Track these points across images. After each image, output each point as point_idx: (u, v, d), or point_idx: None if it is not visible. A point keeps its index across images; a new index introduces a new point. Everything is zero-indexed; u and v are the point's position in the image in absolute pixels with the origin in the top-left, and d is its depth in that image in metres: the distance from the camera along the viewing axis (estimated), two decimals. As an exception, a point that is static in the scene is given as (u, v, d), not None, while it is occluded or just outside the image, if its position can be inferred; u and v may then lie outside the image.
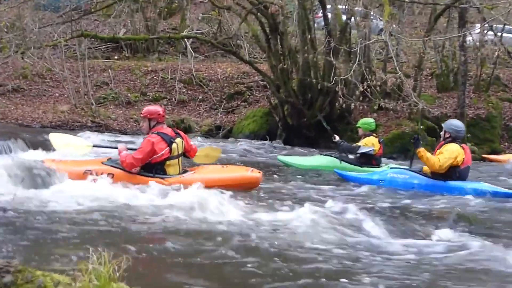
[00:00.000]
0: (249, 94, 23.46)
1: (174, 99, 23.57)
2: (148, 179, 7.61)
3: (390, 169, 9.80)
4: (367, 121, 11.61)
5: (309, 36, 17.83)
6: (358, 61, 14.43)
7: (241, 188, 7.68)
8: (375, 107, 16.04)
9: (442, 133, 9.18)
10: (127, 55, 27.86)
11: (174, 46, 28.84)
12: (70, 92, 21.79)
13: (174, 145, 7.82)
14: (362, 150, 10.85)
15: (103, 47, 28.19)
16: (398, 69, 14.36)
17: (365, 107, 16.34)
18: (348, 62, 16.99)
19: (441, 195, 8.65)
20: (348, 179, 10.05)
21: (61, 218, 5.71)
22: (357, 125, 11.64)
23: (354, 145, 11.25)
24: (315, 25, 19.49)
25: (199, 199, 6.59)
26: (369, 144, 10.99)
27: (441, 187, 8.94)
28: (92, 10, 22.31)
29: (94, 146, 8.83)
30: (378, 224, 6.09)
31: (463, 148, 8.95)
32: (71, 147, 8.69)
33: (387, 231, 5.94)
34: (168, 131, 7.90)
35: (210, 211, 6.19)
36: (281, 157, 12.41)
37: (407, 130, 16.59)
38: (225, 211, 6.23)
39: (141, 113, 8.09)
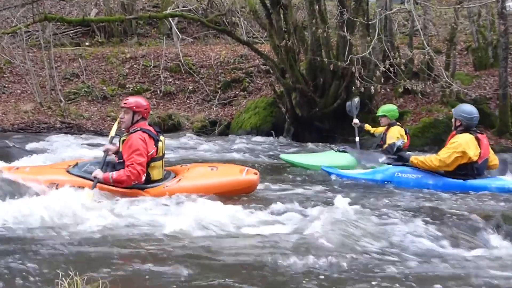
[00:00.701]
0: (249, 81, 23.45)
1: (159, 91, 23.58)
2: (124, 191, 7.59)
3: (395, 167, 9.61)
4: (391, 108, 11.55)
5: (318, 8, 17.77)
6: (378, 35, 14.37)
7: (235, 194, 7.71)
8: (400, 90, 15.97)
9: (453, 121, 9.19)
10: (100, 40, 27.89)
11: (157, 27, 28.86)
12: (34, 87, 21.78)
13: (160, 144, 7.87)
14: (397, 144, 10.58)
15: (72, 32, 28.22)
16: (426, 44, 14.29)
17: (388, 90, 16.27)
18: (366, 37, 16.92)
19: (466, 194, 8.64)
20: (340, 177, 9.96)
21: (22, 238, 5.72)
22: (379, 114, 11.54)
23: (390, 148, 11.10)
24: (325, -6, 19.46)
25: (184, 213, 6.62)
26: (397, 136, 10.87)
27: (459, 187, 8.92)
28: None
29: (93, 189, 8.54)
30: (412, 230, 6.07)
31: (478, 139, 8.92)
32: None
33: (423, 238, 5.91)
34: (152, 129, 7.92)
35: (196, 226, 6.17)
36: (284, 156, 12.27)
37: (441, 117, 16.53)
38: (213, 225, 6.21)
39: (124, 103, 7.99)
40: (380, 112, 11.54)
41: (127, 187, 7.61)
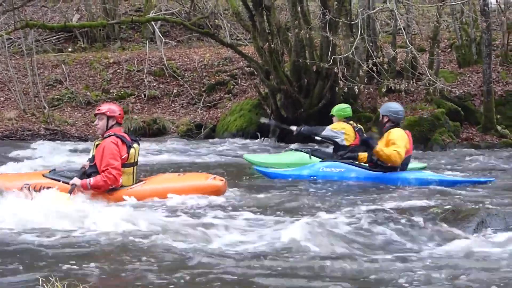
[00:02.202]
0: (234, 83, 23.48)
1: (143, 95, 23.56)
2: (94, 193, 7.70)
3: (321, 163, 10.06)
4: (339, 108, 11.60)
5: (300, 9, 17.83)
6: (360, 35, 14.45)
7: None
8: (384, 90, 16.05)
9: (380, 118, 9.67)
10: (83, 46, 27.84)
11: (140, 31, 28.84)
12: (17, 95, 21.72)
13: (132, 151, 7.94)
14: (327, 132, 10.77)
15: (54, 38, 28.16)
16: (409, 43, 14.39)
17: (372, 90, 16.34)
18: (349, 37, 16.99)
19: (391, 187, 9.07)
20: (271, 177, 10.20)
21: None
22: (331, 113, 11.67)
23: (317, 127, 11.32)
24: (307, -5, 19.54)
25: (148, 216, 6.71)
26: (338, 128, 10.93)
27: (380, 178, 9.40)
28: (38, -6, 22.26)
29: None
30: (383, 229, 6.18)
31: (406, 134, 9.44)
32: None
33: (398, 236, 6.03)
34: (127, 136, 8.05)
35: (161, 230, 6.22)
36: (247, 156, 12.53)
37: (425, 115, 16.61)
38: (175, 230, 6.26)
39: (98, 109, 8.13)
40: (332, 111, 11.67)
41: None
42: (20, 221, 6.52)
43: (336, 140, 10.78)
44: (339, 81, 15.09)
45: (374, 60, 14.58)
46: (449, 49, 22.11)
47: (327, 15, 15.71)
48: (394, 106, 9.65)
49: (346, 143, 10.72)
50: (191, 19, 24.04)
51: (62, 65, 24.82)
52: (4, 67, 22.66)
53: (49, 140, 18.43)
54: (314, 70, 17.17)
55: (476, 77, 19.28)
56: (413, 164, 10.47)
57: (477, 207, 7.09)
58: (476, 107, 18.00)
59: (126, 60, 25.10)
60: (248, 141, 18.12)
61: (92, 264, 5.01)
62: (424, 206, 7.25)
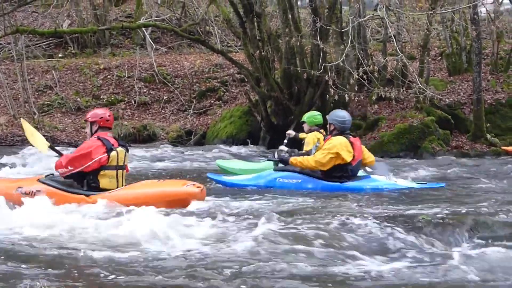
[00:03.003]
0: (224, 90, 23.51)
1: (133, 102, 23.56)
2: (70, 196, 7.88)
3: (278, 173, 10.02)
4: (310, 114, 11.80)
5: (291, 16, 17.89)
6: (351, 43, 14.49)
7: (176, 204, 7.81)
8: (374, 98, 16.10)
9: (328, 126, 9.79)
10: (73, 51, 27.79)
11: (130, 37, 28.83)
12: (7, 100, 21.70)
13: (113, 153, 7.97)
14: (299, 153, 10.79)
15: (44, 43, 28.10)
16: (399, 50, 14.44)
17: (362, 98, 16.38)
18: (340, 45, 17.06)
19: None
20: (225, 185, 10.25)
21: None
22: (302, 119, 11.79)
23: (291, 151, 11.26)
24: (299, 2, 19.59)
25: (126, 221, 6.79)
26: (312, 141, 11.02)
27: (337, 189, 9.43)
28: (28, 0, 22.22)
29: (50, 147, 8.96)
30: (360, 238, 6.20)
31: (351, 142, 9.48)
32: (36, 139, 9.08)
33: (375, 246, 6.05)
34: (112, 139, 8.12)
35: (140, 236, 6.26)
36: (220, 162, 12.61)
37: (415, 123, 16.69)
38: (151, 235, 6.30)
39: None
40: (303, 118, 11.79)
41: (73, 192, 7.94)
42: (7, 225, 6.64)
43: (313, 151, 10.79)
44: (330, 89, 15.09)
45: (365, 68, 14.64)
46: (440, 57, 22.20)
47: (317, 22, 15.73)
48: (341, 114, 9.74)
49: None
50: (181, 26, 24.04)
51: (53, 71, 24.77)
52: (-6, 72, 22.63)
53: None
54: (304, 77, 17.23)
55: (466, 85, 19.34)
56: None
57: (463, 214, 7.15)
58: (466, 115, 18.06)
59: (116, 66, 25.08)
60: (238, 147, 18.14)
61: (76, 268, 5.06)
62: (405, 213, 7.30)
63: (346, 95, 14.94)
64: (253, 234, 6.16)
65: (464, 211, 7.49)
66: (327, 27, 16.39)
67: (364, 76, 14.78)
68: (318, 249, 5.73)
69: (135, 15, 28.05)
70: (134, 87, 23.92)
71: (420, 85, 14.66)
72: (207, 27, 26.61)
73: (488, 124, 17.33)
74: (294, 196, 8.96)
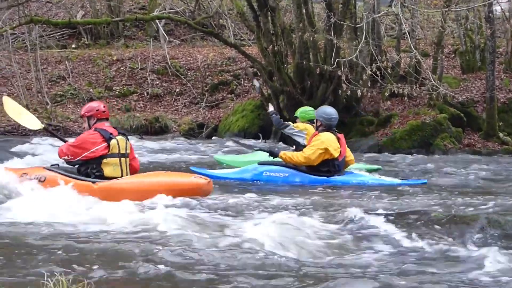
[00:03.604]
0: (236, 84, 23.52)
1: (146, 93, 23.62)
2: (78, 183, 7.91)
3: (265, 166, 10.02)
4: (305, 110, 11.80)
5: (305, 11, 17.85)
6: (365, 39, 14.45)
7: (183, 195, 7.82)
8: (387, 94, 16.08)
9: (315, 122, 10.01)
10: (87, 42, 27.85)
11: (144, 29, 28.86)
12: (20, 90, 21.75)
13: (113, 141, 8.03)
14: (290, 130, 10.91)
15: (58, 34, 28.17)
16: (413, 47, 14.40)
17: (375, 94, 16.34)
18: (353, 40, 17.03)
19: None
20: (212, 179, 10.16)
21: (3, 237, 5.77)
22: (295, 115, 11.80)
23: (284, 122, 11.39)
24: (313, -3, 19.54)
25: (131, 210, 6.91)
26: (301, 128, 11.03)
27: (326, 183, 9.52)
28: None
29: (45, 128, 9.22)
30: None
31: (338, 138, 9.70)
32: (23, 118, 9.19)
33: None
34: (110, 129, 8.20)
35: (148, 224, 6.32)
36: (218, 157, 12.72)
37: (428, 120, 16.65)
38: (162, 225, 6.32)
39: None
40: (296, 113, 11.81)
41: (81, 179, 7.96)
42: (23, 215, 6.65)
43: (298, 139, 10.88)
44: (342, 84, 15.06)
45: (378, 64, 14.61)
46: (453, 55, 22.13)
47: (331, 17, 15.71)
48: (327, 111, 9.88)
49: (306, 143, 10.77)
50: (195, 18, 24.08)
51: (66, 61, 24.85)
52: (8, 62, 22.69)
53: (50, 136, 18.44)
54: (317, 72, 17.18)
55: (479, 83, 19.29)
56: (367, 166, 11.29)
57: (477, 213, 7.12)
58: (479, 113, 18.01)
59: (129, 58, 25.14)
60: (249, 142, 18.12)
61: (96, 260, 5.02)
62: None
63: (359, 91, 14.92)
64: (242, 229, 6.13)
65: (476, 209, 7.49)
66: (341, 23, 16.34)
67: (378, 72, 14.75)
68: (313, 242, 5.74)
69: (149, 7, 28.08)
70: (147, 79, 23.97)
71: (433, 82, 14.62)
72: (220, 20, 26.61)
73: (500, 123, 17.28)
74: (281, 190, 9.05)
